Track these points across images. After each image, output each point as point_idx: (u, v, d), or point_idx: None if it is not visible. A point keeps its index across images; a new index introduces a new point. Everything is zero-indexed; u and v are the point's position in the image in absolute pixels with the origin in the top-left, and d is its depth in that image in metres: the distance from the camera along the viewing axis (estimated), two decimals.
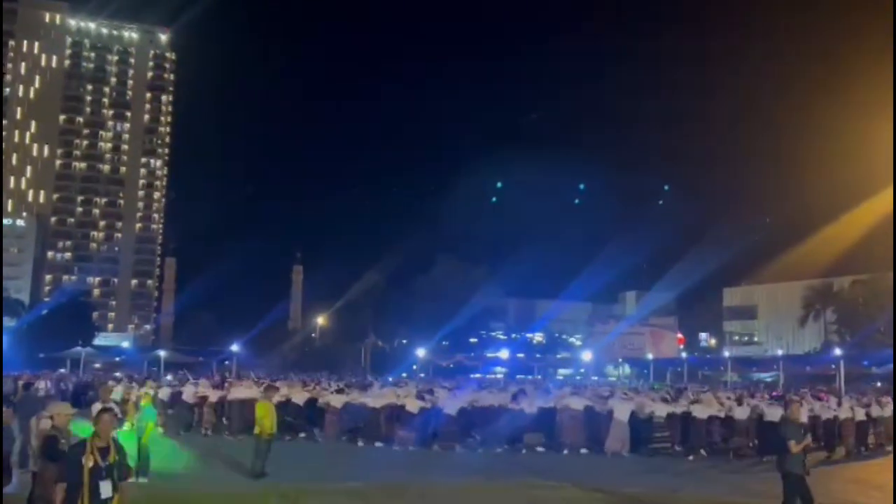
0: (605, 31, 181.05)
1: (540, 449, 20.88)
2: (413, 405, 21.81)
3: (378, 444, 21.25)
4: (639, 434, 20.64)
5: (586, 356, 78.92)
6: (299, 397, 23.51)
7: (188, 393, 25.06)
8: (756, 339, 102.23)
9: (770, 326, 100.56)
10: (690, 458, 20.08)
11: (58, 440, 10.42)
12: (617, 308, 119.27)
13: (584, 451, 20.46)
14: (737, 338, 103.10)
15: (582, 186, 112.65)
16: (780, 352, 78.60)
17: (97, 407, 14.62)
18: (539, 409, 21.73)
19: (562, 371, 77.77)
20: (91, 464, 6.99)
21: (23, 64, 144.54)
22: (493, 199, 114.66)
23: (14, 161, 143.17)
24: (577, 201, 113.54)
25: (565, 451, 20.44)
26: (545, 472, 17.15)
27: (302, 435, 22.28)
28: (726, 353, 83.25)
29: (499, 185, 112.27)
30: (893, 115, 60.73)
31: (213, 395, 24.45)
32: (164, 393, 25.49)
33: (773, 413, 20.05)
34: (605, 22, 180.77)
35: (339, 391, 24.33)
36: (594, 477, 16.33)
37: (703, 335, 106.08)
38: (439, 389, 26.05)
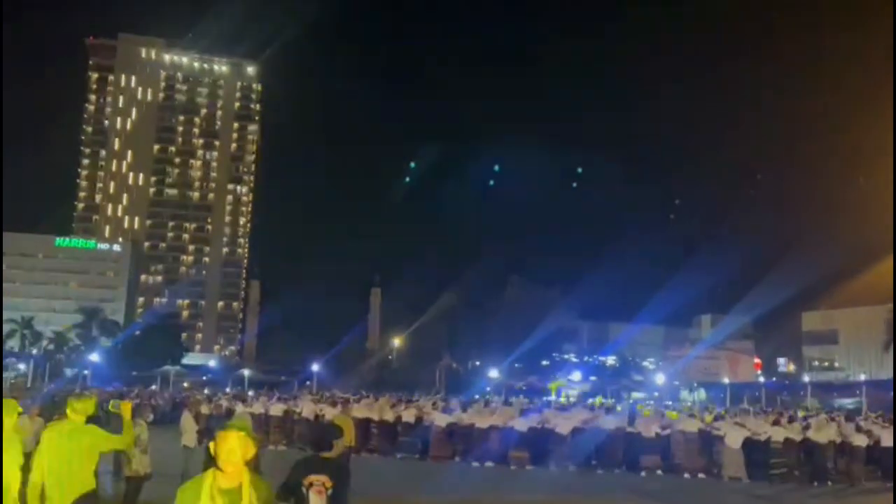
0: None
1: (658, 472, 20.24)
2: (522, 425, 21.48)
3: (489, 463, 20.79)
4: (755, 459, 19.87)
5: (660, 380, 78.78)
6: (408, 415, 23.77)
7: (308, 409, 24.88)
8: (837, 364, 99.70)
9: (851, 352, 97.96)
10: (815, 484, 19.21)
11: None
12: (692, 332, 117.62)
13: (701, 475, 19.83)
14: (816, 363, 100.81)
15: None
16: (862, 377, 76.78)
17: (187, 417, 13.86)
18: (655, 432, 21.10)
19: (635, 395, 77.52)
20: None
21: (121, 97, 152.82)
22: (568, 223, 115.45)
23: (111, 189, 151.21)
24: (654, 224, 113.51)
25: (686, 475, 19.72)
26: (660, 495, 16.78)
27: (416, 456, 22.34)
28: (806, 378, 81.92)
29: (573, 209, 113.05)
30: None
31: (329, 413, 23.73)
32: (277, 410, 25.49)
33: (888, 438, 20.15)
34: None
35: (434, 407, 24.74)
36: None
37: (781, 360, 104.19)
38: (550, 412, 25.61)
